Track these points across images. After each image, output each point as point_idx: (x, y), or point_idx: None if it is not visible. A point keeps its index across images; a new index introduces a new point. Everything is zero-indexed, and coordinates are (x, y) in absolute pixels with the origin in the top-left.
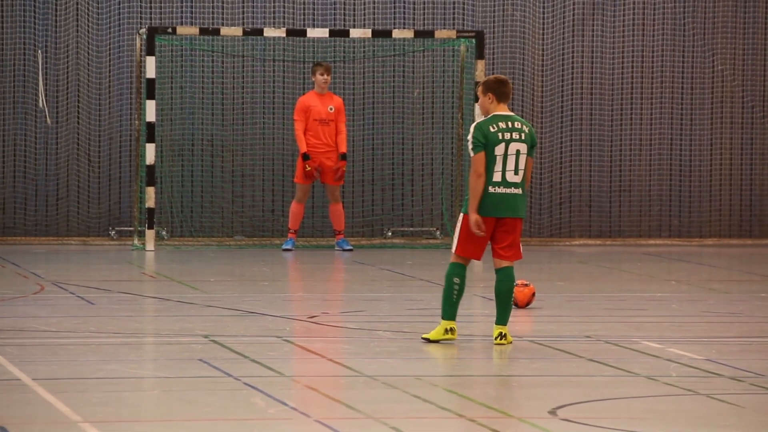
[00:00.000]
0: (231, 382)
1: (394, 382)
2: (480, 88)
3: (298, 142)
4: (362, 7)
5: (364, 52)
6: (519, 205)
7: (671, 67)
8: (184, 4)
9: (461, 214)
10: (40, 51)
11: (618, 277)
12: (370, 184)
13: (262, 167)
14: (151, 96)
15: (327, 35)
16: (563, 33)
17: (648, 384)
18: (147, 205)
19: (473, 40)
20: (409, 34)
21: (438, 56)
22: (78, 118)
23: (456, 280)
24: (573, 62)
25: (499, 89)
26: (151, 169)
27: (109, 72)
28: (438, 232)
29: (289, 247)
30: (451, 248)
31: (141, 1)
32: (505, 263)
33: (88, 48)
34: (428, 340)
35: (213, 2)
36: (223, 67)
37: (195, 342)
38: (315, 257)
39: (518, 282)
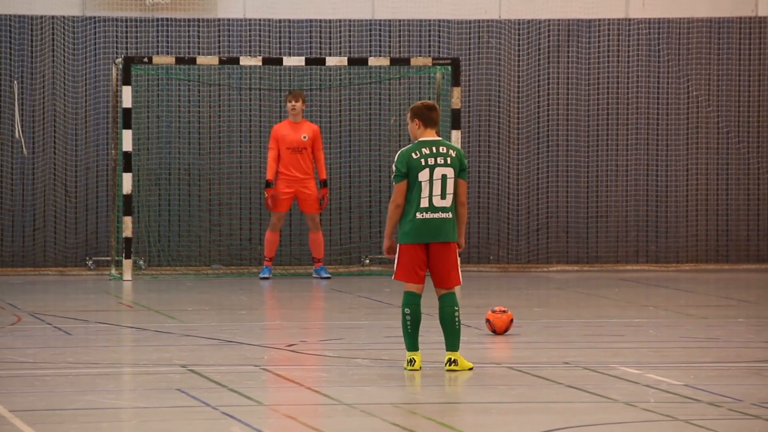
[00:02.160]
0: (209, 411)
1: (373, 410)
2: (408, 114)
3: (268, 169)
4: (338, 35)
5: (340, 80)
6: (448, 230)
7: (646, 93)
8: (159, 33)
9: (398, 244)
10: (15, 81)
11: (596, 303)
12: (347, 211)
13: (239, 196)
14: (127, 125)
15: (303, 63)
16: (539, 60)
17: (626, 410)
18: (124, 235)
19: (449, 68)
20: (385, 61)
21: (414, 83)
22: (54, 148)
23: (407, 310)
24: (549, 89)
25: (425, 114)
26: (128, 198)
27: (86, 102)
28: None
29: (266, 275)
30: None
31: (117, 31)
32: (443, 290)
33: (64, 78)
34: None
35: (189, 31)
36: (199, 96)
37: (173, 372)
38: (293, 285)
39: (496, 308)
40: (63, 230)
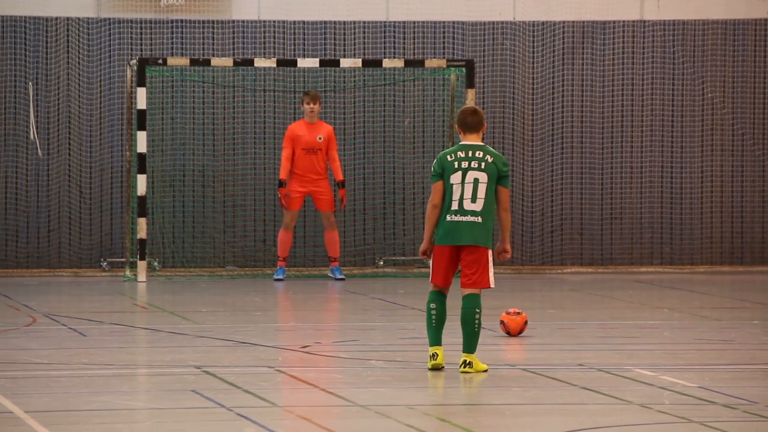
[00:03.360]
0: (224, 412)
1: (387, 412)
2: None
3: (281, 168)
4: (352, 36)
5: (354, 81)
6: (476, 234)
7: (661, 95)
8: (174, 35)
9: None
10: (30, 83)
11: (610, 304)
12: (362, 213)
13: (254, 197)
14: (142, 127)
15: (317, 65)
16: (553, 61)
17: (641, 412)
18: (138, 236)
19: (463, 69)
20: (399, 63)
21: (428, 85)
22: (69, 149)
23: (432, 306)
24: (563, 91)
25: (462, 119)
26: (142, 200)
27: (100, 103)
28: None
29: (280, 276)
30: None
31: (131, 33)
32: (467, 291)
33: (79, 80)
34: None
35: (203, 33)
36: (213, 98)
37: (187, 373)
38: (307, 287)
39: (510, 310)
40: (78, 231)
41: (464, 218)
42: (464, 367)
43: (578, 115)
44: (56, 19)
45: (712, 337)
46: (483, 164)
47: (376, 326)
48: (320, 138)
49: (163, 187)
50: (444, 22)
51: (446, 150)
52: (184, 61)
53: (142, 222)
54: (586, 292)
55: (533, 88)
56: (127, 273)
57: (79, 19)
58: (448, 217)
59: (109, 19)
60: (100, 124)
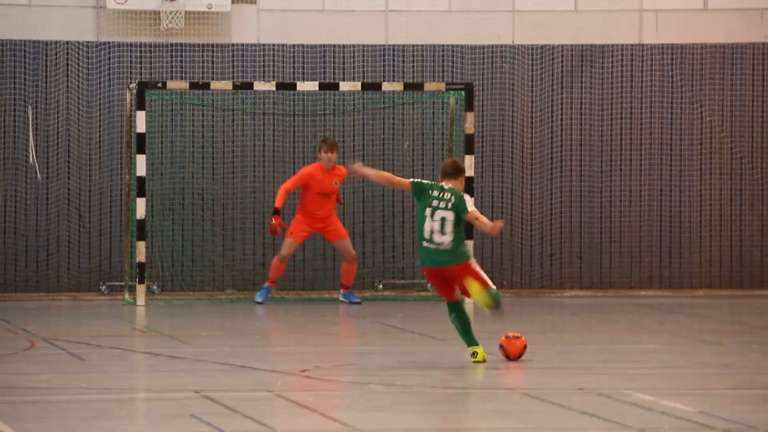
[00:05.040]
0: None
1: None
2: None
3: (277, 196)
4: (351, 60)
5: (353, 104)
6: (444, 259)
7: (660, 118)
8: (174, 58)
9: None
10: (30, 107)
11: (609, 328)
12: (361, 236)
13: (253, 221)
14: (141, 150)
15: (317, 88)
16: (552, 85)
17: None
18: (138, 260)
19: (462, 93)
20: (398, 86)
21: (427, 108)
22: (68, 173)
23: (452, 316)
24: (562, 114)
25: (442, 168)
26: (141, 223)
27: (100, 127)
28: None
29: (260, 300)
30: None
31: (131, 56)
32: (460, 296)
33: (79, 103)
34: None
35: (203, 57)
36: (213, 121)
37: (186, 397)
38: (305, 310)
39: (510, 334)
40: (76, 255)
41: (435, 247)
42: (474, 357)
43: (577, 138)
44: (56, 42)
45: (712, 362)
46: (449, 204)
47: (376, 350)
48: (336, 183)
49: (163, 211)
50: (443, 46)
51: (434, 184)
52: (184, 85)
53: (141, 245)
54: (586, 316)
55: (532, 112)
56: (126, 297)
57: (78, 42)
58: (424, 243)
59: (109, 42)
60: (99, 147)
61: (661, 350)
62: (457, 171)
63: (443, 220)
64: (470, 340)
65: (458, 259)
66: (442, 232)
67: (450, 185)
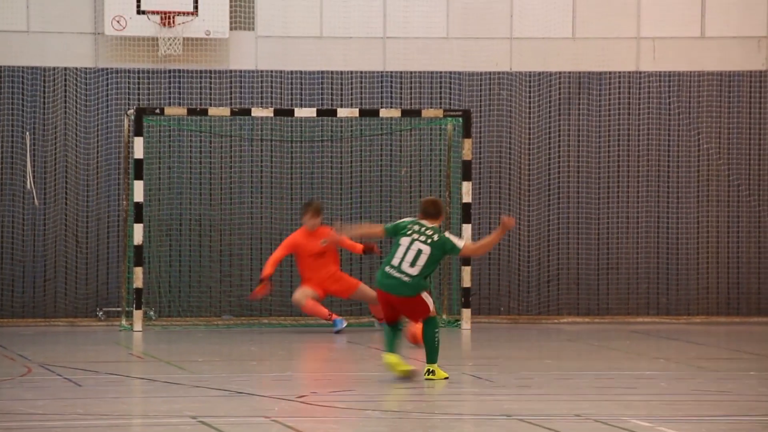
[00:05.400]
0: None
1: None
2: None
3: (265, 266)
4: (349, 86)
5: (351, 131)
6: (399, 290)
7: (657, 145)
8: (171, 84)
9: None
10: (27, 132)
11: (606, 355)
12: (358, 262)
13: (250, 246)
14: (139, 176)
15: (314, 115)
16: (549, 112)
17: None
18: (135, 286)
19: (460, 119)
20: (396, 113)
21: (425, 135)
22: (66, 198)
23: (386, 327)
24: (559, 141)
25: (422, 207)
26: (138, 249)
27: (97, 153)
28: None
29: (340, 327)
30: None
31: (129, 82)
32: (419, 324)
33: (76, 129)
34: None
35: (201, 83)
36: (210, 147)
37: (183, 423)
38: (303, 337)
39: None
40: (74, 281)
41: (397, 275)
42: (428, 374)
43: (575, 165)
44: (54, 69)
45: (709, 388)
46: (429, 240)
47: (373, 376)
48: (324, 242)
49: (160, 237)
50: (441, 72)
51: (414, 220)
52: (182, 111)
53: (138, 271)
54: (583, 342)
55: (530, 138)
56: (123, 322)
57: (76, 69)
58: (387, 269)
59: (107, 69)
60: (96, 173)
61: (658, 377)
62: (437, 212)
63: (419, 252)
64: (391, 347)
65: (411, 292)
66: (413, 264)
67: (432, 224)
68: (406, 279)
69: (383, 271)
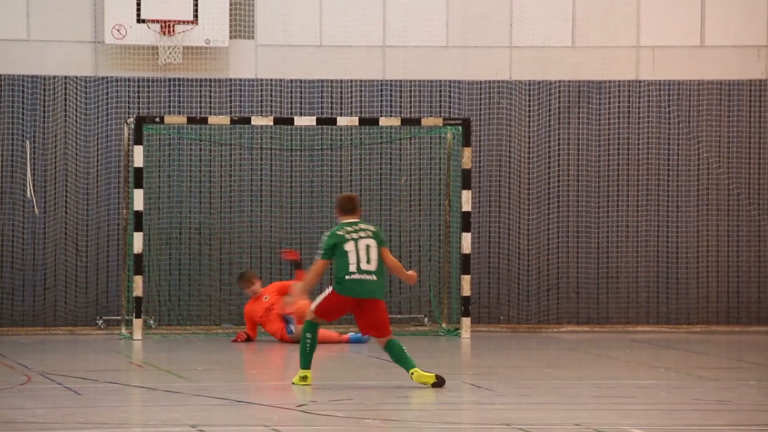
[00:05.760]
0: None
1: None
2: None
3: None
4: (349, 95)
5: (351, 139)
6: (374, 289)
7: (657, 154)
8: (171, 93)
9: (330, 288)
10: (28, 141)
11: (606, 364)
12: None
13: (250, 255)
14: (138, 185)
15: (314, 123)
16: (549, 120)
17: None
18: (134, 294)
19: (460, 128)
20: (395, 121)
21: (425, 143)
22: (66, 207)
23: (308, 335)
24: (559, 149)
25: (342, 206)
26: (138, 257)
27: (97, 161)
28: (426, 319)
29: (361, 337)
30: (438, 333)
31: (129, 91)
32: (384, 340)
33: (76, 138)
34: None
35: (200, 91)
36: (210, 156)
37: None
38: None
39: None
40: (74, 289)
41: (362, 276)
42: (413, 375)
43: (574, 174)
44: (54, 77)
45: (709, 398)
46: (369, 233)
47: (372, 385)
48: (266, 298)
49: (160, 245)
50: (440, 81)
51: (334, 228)
52: (181, 119)
53: (138, 280)
54: (583, 351)
55: (529, 147)
56: (123, 331)
57: (76, 77)
58: (347, 277)
59: (107, 77)
60: (96, 182)
61: (658, 386)
62: (355, 206)
63: (368, 247)
64: (307, 363)
65: (380, 292)
66: (369, 260)
67: (355, 219)
68: (370, 277)
69: (346, 282)
